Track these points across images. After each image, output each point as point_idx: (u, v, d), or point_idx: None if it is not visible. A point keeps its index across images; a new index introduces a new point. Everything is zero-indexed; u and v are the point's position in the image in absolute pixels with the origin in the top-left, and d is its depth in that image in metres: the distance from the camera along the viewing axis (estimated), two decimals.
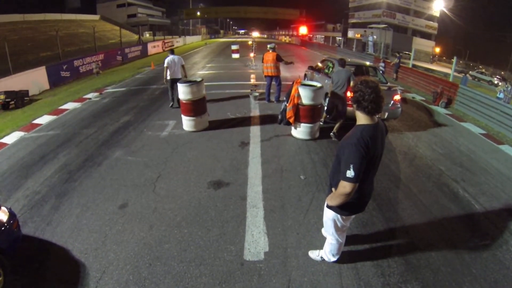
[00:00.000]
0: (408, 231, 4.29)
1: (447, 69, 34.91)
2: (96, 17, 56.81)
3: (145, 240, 4.01)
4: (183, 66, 10.09)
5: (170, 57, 9.72)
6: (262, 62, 10.29)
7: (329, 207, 3.03)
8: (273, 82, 10.33)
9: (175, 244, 3.93)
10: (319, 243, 3.85)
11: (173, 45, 37.24)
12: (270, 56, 9.93)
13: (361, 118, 2.62)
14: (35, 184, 5.52)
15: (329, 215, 3.10)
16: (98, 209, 4.69)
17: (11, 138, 7.79)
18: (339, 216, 3.02)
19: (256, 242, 3.95)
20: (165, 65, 9.73)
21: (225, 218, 4.41)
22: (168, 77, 9.80)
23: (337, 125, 7.36)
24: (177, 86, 7.93)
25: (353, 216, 3.18)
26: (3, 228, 3.40)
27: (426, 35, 52.11)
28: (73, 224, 4.36)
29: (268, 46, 10.09)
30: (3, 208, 3.66)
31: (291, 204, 4.76)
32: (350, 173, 2.50)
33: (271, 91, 10.44)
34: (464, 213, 4.82)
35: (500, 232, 4.43)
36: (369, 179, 2.82)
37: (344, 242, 3.41)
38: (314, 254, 3.66)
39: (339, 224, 3.10)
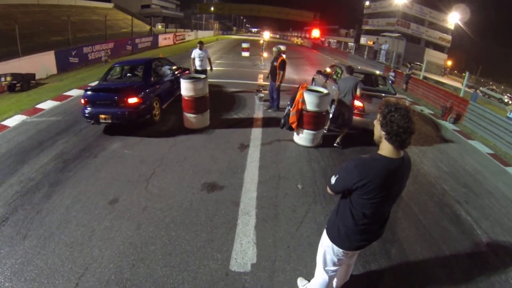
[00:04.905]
0: (405, 255, 4.12)
1: (458, 83, 34.64)
2: (110, 5, 56.79)
3: (131, 240, 3.91)
4: (209, 59, 11.17)
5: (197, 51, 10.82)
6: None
7: (328, 231, 2.68)
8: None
9: (161, 246, 3.82)
10: (309, 258, 3.72)
11: (184, 39, 37.24)
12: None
13: (385, 148, 2.25)
14: (31, 170, 5.55)
15: (324, 243, 2.76)
16: (88, 202, 4.64)
17: (13, 121, 7.88)
18: (334, 246, 2.64)
19: (244, 252, 3.81)
20: (192, 56, 10.90)
21: (215, 224, 4.28)
22: (198, 68, 10.88)
23: (341, 135, 7.21)
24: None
25: (348, 254, 2.73)
26: None
27: (439, 47, 51.77)
28: (62, 216, 4.33)
29: (274, 48, 9.46)
30: None
31: (285, 214, 4.61)
32: (333, 179, 2.42)
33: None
34: (464, 238, 4.64)
35: (500, 261, 4.27)
36: (377, 214, 2.43)
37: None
38: (301, 283, 3.42)
39: (328, 257, 2.74)
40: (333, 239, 2.60)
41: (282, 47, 24.03)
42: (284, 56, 9.49)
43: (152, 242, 3.88)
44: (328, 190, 2.51)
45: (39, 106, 9.14)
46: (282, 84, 9.20)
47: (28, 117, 8.21)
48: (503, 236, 4.85)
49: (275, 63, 9.00)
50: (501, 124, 9.81)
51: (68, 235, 3.96)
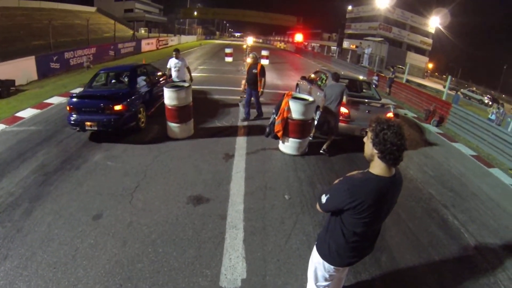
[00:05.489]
0: (395, 262, 4.13)
1: (439, 85, 35.39)
2: (92, 9, 56.10)
3: (117, 258, 3.78)
4: (188, 68, 10.24)
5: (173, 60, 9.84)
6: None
7: (319, 248, 2.63)
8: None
9: (148, 264, 3.71)
10: (300, 271, 3.67)
11: (167, 44, 36.93)
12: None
13: (377, 166, 2.20)
14: (10, 184, 5.34)
15: (314, 260, 2.71)
16: (71, 218, 4.47)
17: None
18: (325, 263, 2.60)
19: (233, 268, 3.73)
20: (168, 66, 9.98)
21: (203, 239, 4.18)
22: (175, 79, 9.74)
23: (327, 142, 7.18)
24: None
25: (340, 270, 2.70)
26: None
27: (420, 51, 52.86)
28: (44, 234, 4.15)
29: (250, 55, 9.05)
30: None
31: (273, 226, 4.54)
32: (323, 198, 2.35)
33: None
34: (453, 242, 4.71)
35: (488, 263, 4.34)
36: (368, 232, 2.40)
37: None
38: None
39: (319, 273, 2.70)
40: (323, 256, 2.56)
41: (265, 52, 24.26)
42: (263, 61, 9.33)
43: (139, 260, 3.76)
44: (318, 208, 2.45)
45: (19, 114, 8.87)
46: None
47: (7, 126, 7.95)
48: (489, 238, 4.95)
49: (254, 71, 8.62)
50: (483, 126, 10.07)
51: (50, 254, 3.80)
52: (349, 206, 2.19)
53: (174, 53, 9.94)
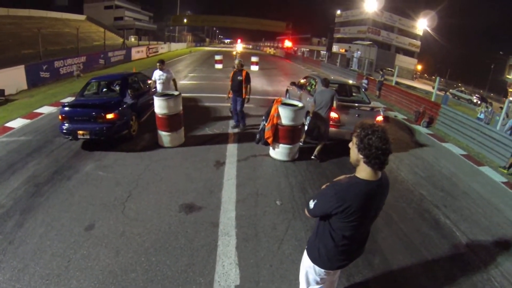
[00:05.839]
0: (388, 264, 4.17)
1: (428, 86, 35.75)
2: (82, 17, 55.91)
3: (110, 268, 3.77)
4: (174, 80, 9.60)
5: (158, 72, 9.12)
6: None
7: (309, 252, 2.67)
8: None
9: (141, 273, 3.71)
10: (293, 276, 3.68)
11: (157, 51, 36.89)
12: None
13: (363, 171, 2.23)
14: (1, 195, 5.29)
15: (305, 264, 2.74)
16: (63, 230, 4.44)
17: None
18: (315, 266, 2.63)
19: (226, 274, 3.75)
20: (153, 78, 9.33)
21: (195, 246, 4.19)
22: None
23: (318, 147, 7.21)
24: None
25: (330, 273, 2.72)
26: None
27: (408, 53, 53.43)
28: (36, 245, 4.12)
29: (235, 61, 8.82)
30: None
31: (265, 232, 4.57)
32: (311, 204, 2.40)
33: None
34: (445, 242, 4.79)
35: (481, 261, 4.43)
36: (356, 235, 2.43)
37: None
38: None
39: (311, 277, 2.73)
40: (314, 260, 2.59)
41: (255, 58, 24.30)
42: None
43: (132, 269, 3.76)
44: (307, 213, 2.48)
45: (9, 124, 8.79)
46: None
47: None
48: (481, 235, 5.04)
49: (239, 78, 8.39)
50: (472, 125, 10.26)
51: (43, 266, 3.77)
52: (336, 210, 2.22)
53: (158, 64, 9.17)
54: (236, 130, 8.86)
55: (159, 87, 9.24)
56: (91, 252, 4.03)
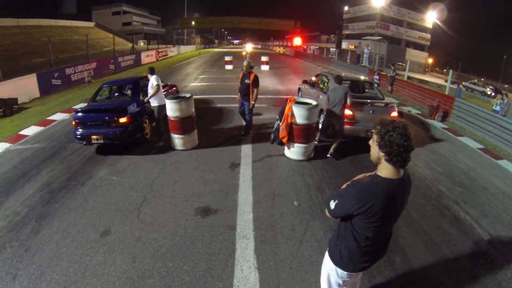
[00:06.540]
0: (409, 263, 4.04)
1: (440, 80, 35.19)
2: (91, 24, 56.61)
3: (127, 274, 3.72)
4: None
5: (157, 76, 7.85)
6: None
7: (331, 254, 2.57)
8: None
9: (159, 279, 3.64)
10: (314, 279, 3.59)
11: (166, 55, 37.05)
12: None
13: (385, 169, 2.15)
14: (16, 203, 5.32)
15: (327, 266, 2.65)
16: (79, 236, 4.43)
17: None
18: (338, 269, 2.54)
19: (246, 279, 3.66)
20: (157, 82, 7.69)
21: (213, 251, 4.11)
22: (155, 103, 7.76)
23: (334, 145, 7.08)
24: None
25: (353, 276, 2.64)
26: None
27: (419, 46, 52.78)
28: (52, 252, 4.12)
29: (244, 62, 8.18)
30: None
31: (283, 234, 4.47)
32: (332, 204, 2.30)
33: None
34: (466, 238, 4.62)
35: (504, 258, 4.25)
36: (379, 236, 2.33)
37: None
38: None
39: (333, 279, 2.63)
40: (336, 262, 2.50)
41: (265, 58, 24.28)
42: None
43: (150, 275, 3.70)
44: (327, 213, 2.39)
45: (23, 132, 8.91)
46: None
47: (11, 144, 7.99)
48: (503, 231, 4.85)
49: (247, 81, 7.87)
50: (488, 118, 9.97)
51: (60, 273, 3.75)
52: (358, 211, 2.14)
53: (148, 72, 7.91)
54: (253, 127, 8.64)
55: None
56: (107, 258, 3.99)
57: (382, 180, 2.13)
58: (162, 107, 7.68)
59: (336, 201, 2.28)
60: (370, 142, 2.21)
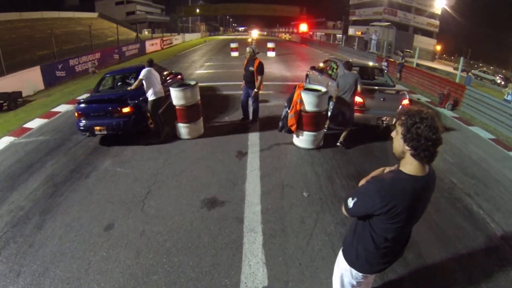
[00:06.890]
0: (422, 259, 3.89)
1: (449, 67, 34.61)
2: (94, 14, 56.22)
3: (131, 270, 3.62)
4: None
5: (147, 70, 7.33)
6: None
7: (345, 254, 2.41)
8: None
9: (163, 275, 3.53)
10: (324, 275, 3.45)
11: (171, 43, 36.76)
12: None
13: (410, 164, 1.94)
14: (20, 197, 5.26)
15: (341, 266, 2.48)
16: (82, 230, 4.34)
17: (1, 144, 7.60)
18: (352, 270, 2.38)
19: (253, 275, 3.52)
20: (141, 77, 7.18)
21: (220, 245, 3.98)
22: (153, 97, 7.32)
23: (344, 133, 6.91)
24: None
25: (368, 277, 2.49)
26: None
27: (427, 33, 51.92)
28: (55, 247, 4.04)
29: (247, 49, 7.98)
30: None
31: (293, 227, 4.31)
32: (350, 202, 2.09)
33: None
34: (479, 233, 4.45)
35: None
36: (400, 237, 2.16)
37: None
38: None
39: (346, 279, 2.47)
40: (351, 263, 2.33)
41: (271, 44, 23.98)
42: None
43: (154, 271, 3.59)
44: (344, 212, 2.18)
45: (27, 125, 8.83)
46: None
47: (16, 138, 7.92)
48: None
49: (251, 68, 7.68)
50: (499, 107, 9.72)
51: (63, 269, 3.67)
52: (380, 211, 1.94)
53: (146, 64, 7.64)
54: (260, 114, 8.39)
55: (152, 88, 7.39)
56: (111, 253, 3.89)
57: (407, 177, 1.93)
58: (155, 101, 7.30)
59: (355, 199, 2.06)
60: (393, 134, 2.01)
